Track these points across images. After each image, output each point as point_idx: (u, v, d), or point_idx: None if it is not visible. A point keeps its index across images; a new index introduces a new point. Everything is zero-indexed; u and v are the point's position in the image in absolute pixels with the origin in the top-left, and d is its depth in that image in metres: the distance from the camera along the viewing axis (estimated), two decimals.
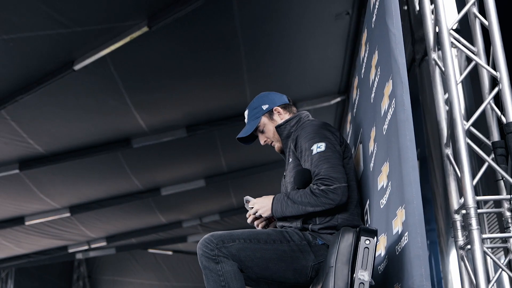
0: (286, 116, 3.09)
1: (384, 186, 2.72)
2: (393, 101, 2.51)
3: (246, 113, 3.16)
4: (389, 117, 2.62)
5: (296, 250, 2.72)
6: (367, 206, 3.04)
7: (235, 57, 5.74)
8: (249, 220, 3.03)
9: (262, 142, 3.13)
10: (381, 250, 2.83)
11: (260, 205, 2.90)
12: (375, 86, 3.02)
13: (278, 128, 3.04)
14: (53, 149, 6.69)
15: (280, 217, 2.87)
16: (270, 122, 3.08)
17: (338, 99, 6.96)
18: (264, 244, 2.69)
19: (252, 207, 2.94)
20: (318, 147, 2.79)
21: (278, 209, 2.82)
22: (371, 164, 3.00)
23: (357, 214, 2.90)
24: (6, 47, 4.95)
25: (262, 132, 3.10)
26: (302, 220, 2.81)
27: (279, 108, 3.09)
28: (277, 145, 3.10)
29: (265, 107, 3.09)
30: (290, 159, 2.94)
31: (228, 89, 6.40)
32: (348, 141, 4.39)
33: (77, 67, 5.27)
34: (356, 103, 3.82)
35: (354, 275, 2.30)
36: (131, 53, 5.29)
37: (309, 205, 2.73)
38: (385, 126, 2.71)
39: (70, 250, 10.26)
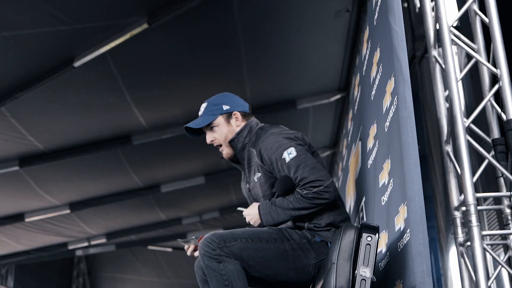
0: (242, 124, 3.00)
1: (386, 183, 2.73)
2: (395, 98, 2.52)
3: (203, 105, 3.06)
4: (391, 114, 2.63)
5: (297, 249, 2.73)
6: (362, 203, 3.05)
7: (235, 54, 5.74)
8: (188, 253, 3.04)
9: (208, 141, 3.02)
10: (382, 247, 2.85)
11: (250, 217, 2.87)
12: (376, 83, 3.03)
13: (232, 142, 2.96)
14: (53, 146, 6.68)
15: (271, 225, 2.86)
16: (226, 124, 2.98)
17: (338, 96, 6.96)
18: (266, 243, 2.69)
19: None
20: (289, 154, 2.77)
21: (269, 219, 2.80)
22: (370, 161, 3.01)
23: (342, 206, 2.92)
24: (6, 44, 4.94)
25: (213, 130, 2.99)
26: (293, 221, 2.81)
27: (238, 114, 3.00)
28: (226, 151, 3.01)
29: (225, 107, 3.00)
30: (259, 174, 2.89)
31: (228, 86, 6.38)
32: (350, 138, 4.40)
33: (77, 64, 5.26)
34: (357, 100, 3.82)
35: (356, 271, 2.32)
36: (131, 50, 5.29)
37: (303, 210, 2.74)
38: (387, 124, 2.72)
39: (70, 247, 10.26)
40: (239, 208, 2.96)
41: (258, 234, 2.72)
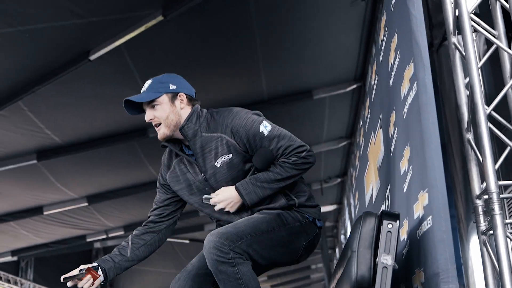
0: (186, 108, 2.85)
1: (406, 171, 2.69)
2: (415, 84, 2.48)
3: (148, 82, 2.88)
4: (409, 100, 2.59)
5: (292, 233, 2.70)
6: (388, 191, 3.01)
7: (251, 45, 5.71)
8: (80, 285, 2.83)
9: (147, 119, 2.85)
10: (404, 235, 2.81)
11: (226, 203, 2.73)
12: (394, 70, 2.99)
13: (182, 129, 2.83)
14: (70, 139, 6.72)
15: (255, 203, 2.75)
16: (169, 104, 2.82)
17: (354, 86, 6.91)
18: (267, 234, 2.64)
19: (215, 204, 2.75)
20: (265, 127, 2.73)
21: (253, 197, 2.69)
22: (392, 149, 2.97)
23: None
24: (22, 39, 4.96)
25: (154, 108, 2.82)
26: (286, 199, 2.76)
27: (184, 96, 2.85)
28: (162, 131, 2.85)
29: (172, 87, 2.84)
30: (229, 156, 2.74)
31: (243, 77, 6.39)
32: (367, 126, 4.34)
33: (93, 57, 5.28)
34: (375, 87, 3.78)
35: (377, 259, 2.29)
36: (146, 42, 5.29)
37: (291, 178, 2.69)
38: (405, 110, 2.68)
39: (88, 239, 10.34)
40: (205, 196, 2.77)
41: (258, 226, 2.63)
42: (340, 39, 6.08)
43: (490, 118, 2.79)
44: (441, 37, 4.35)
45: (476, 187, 2.86)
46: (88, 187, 8.25)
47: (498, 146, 3.39)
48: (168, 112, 2.81)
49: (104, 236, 10.34)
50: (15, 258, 11.08)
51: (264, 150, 2.71)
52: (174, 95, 2.83)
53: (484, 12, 3.18)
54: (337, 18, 5.66)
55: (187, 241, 13.63)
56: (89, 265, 2.87)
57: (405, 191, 2.74)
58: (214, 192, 2.78)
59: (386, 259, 2.27)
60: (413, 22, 2.59)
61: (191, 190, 2.90)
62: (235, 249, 2.52)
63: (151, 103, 2.82)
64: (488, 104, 2.80)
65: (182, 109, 2.84)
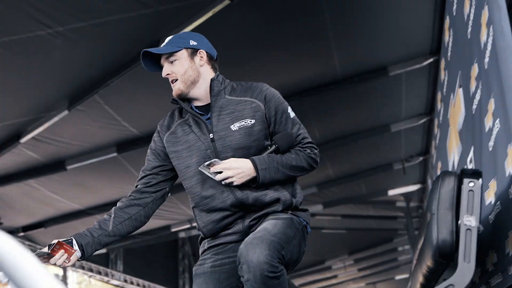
0: (207, 67, 2.72)
1: (491, 126, 2.46)
2: (491, 29, 2.26)
3: (168, 38, 2.76)
4: (489, 48, 2.37)
5: (300, 238, 2.53)
6: (471, 153, 2.77)
7: (320, 23, 5.60)
8: (58, 262, 2.52)
9: (164, 74, 2.69)
10: (492, 198, 2.57)
11: (237, 171, 2.52)
12: (471, 19, 2.75)
13: (212, 81, 2.70)
14: (147, 130, 6.82)
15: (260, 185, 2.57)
16: (188, 59, 2.68)
17: (431, 60, 6.65)
18: (292, 240, 2.45)
19: (220, 172, 2.51)
20: (291, 111, 2.65)
21: (267, 176, 2.53)
22: (474, 106, 2.72)
23: None
24: (93, 33, 5.06)
25: (173, 64, 2.68)
26: (292, 194, 2.63)
27: (204, 53, 2.71)
28: (179, 86, 2.67)
29: (192, 42, 2.70)
30: (252, 121, 2.60)
31: (315, 57, 6.27)
32: (445, 89, 4.04)
33: None
34: (450, 45, 3.51)
35: (460, 221, 2.10)
36: (214, 27, 5.27)
37: (301, 170, 2.62)
38: (487, 60, 2.44)
39: (173, 229, 10.50)
40: (213, 160, 2.54)
41: (287, 232, 2.43)
42: (413, 11, 5.86)
43: None
44: None
45: None
46: None
47: None
48: (187, 68, 2.68)
49: (188, 226, 10.48)
50: (104, 251, 11.46)
51: (289, 133, 2.64)
52: (194, 51, 2.72)
53: None
54: None
55: None
56: (62, 240, 2.58)
57: (490, 149, 2.50)
58: (215, 157, 2.61)
59: (470, 220, 2.08)
60: None
61: (190, 151, 2.71)
62: (281, 260, 2.31)
63: (169, 58, 2.69)
64: None
65: (202, 67, 2.72)
